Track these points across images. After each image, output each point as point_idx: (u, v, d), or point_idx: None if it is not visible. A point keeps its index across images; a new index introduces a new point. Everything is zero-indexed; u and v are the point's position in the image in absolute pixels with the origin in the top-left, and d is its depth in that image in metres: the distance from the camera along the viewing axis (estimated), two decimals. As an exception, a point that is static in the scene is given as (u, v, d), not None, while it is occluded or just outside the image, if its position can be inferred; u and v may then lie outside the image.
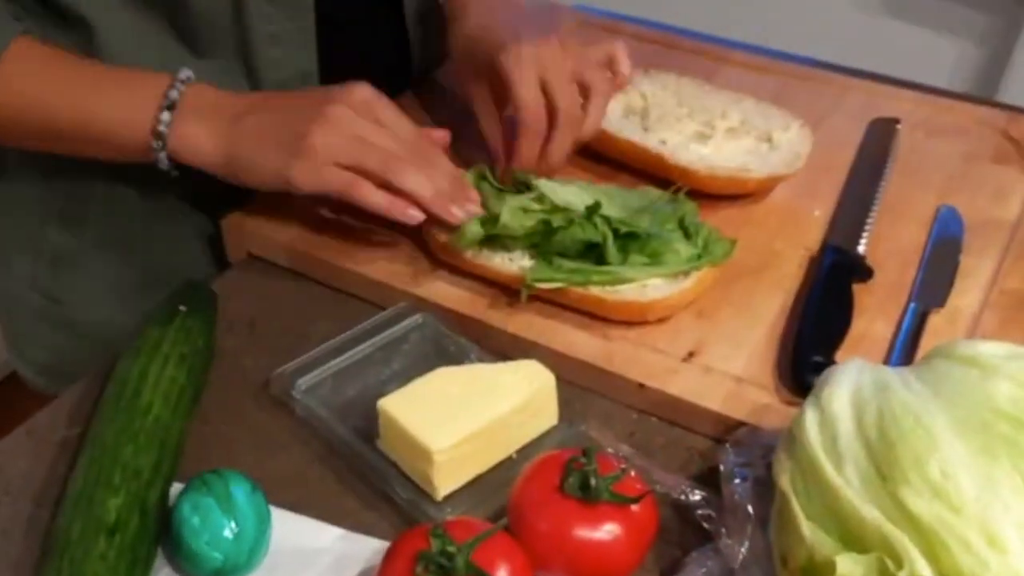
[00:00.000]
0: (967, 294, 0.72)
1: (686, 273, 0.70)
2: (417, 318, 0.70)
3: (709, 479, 0.59)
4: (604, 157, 0.84)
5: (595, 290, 0.69)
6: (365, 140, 0.70)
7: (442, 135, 0.77)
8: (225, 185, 0.75)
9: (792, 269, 0.75)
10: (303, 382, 0.65)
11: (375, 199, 0.70)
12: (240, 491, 0.55)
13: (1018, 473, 0.45)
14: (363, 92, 0.72)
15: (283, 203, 0.79)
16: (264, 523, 0.56)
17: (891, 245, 0.77)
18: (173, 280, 0.73)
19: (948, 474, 0.45)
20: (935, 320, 0.70)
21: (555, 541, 0.54)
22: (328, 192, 0.70)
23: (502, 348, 0.68)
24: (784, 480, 0.51)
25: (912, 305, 0.71)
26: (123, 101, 0.72)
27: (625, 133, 0.82)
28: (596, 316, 0.70)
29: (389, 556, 0.53)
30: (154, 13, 0.76)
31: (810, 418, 0.51)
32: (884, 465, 0.46)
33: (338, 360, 0.67)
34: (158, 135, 0.71)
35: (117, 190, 0.82)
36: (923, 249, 0.77)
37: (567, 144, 0.77)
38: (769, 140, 0.83)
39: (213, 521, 0.54)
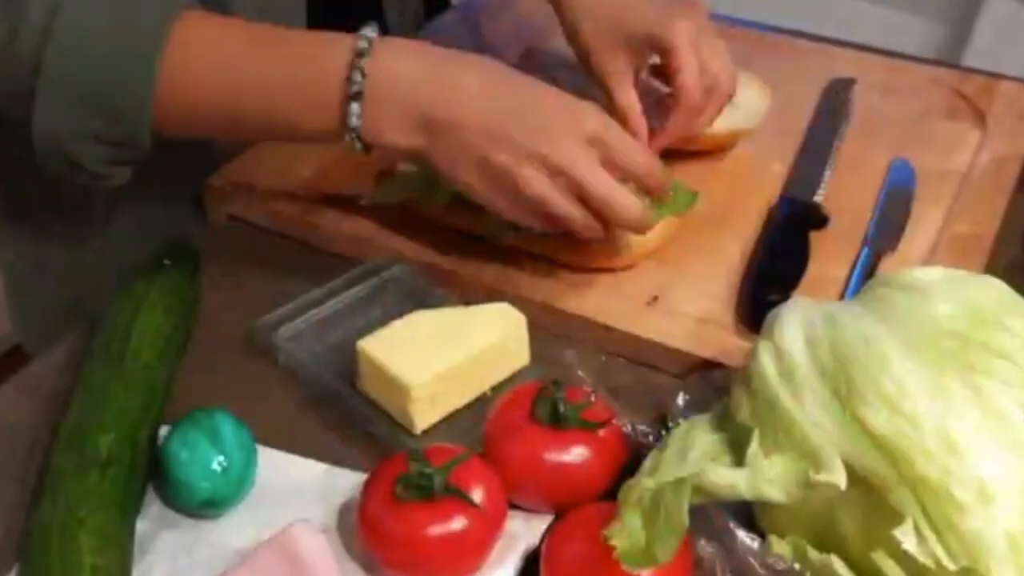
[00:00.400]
0: (918, 239, 0.76)
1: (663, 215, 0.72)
2: (394, 270, 0.73)
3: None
4: None
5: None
6: (582, 189, 0.65)
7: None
8: (200, 154, 0.75)
9: (752, 219, 0.78)
10: (285, 331, 0.68)
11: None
12: (227, 426, 0.58)
13: (968, 383, 0.47)
14: (594, 122, 0.66)
15: (260, 165, 0.82)
16: (251, 457, 0.59)
17: (847, 196, 0.81)
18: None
19: (902, 389, 0.47)
20: (887, 264, 0.74)
21: (527, 465, 0.57)
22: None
23: (476, 297, 0.71)
24: (744, 415, 0.53)
25: (865, 249, 0.74)
26: (304, 88, 0.65)
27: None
28: (568, 265, 0.73)
29: (370, 481, 0.56)
30: None
31: (765, 354, 0.53)
32: (841, 389, 0.49)
33: (318, 310, 0.70)
34: (350, 130, 0.64)
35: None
36: (877, 199, 0.80)
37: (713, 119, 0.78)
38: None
39: (202, 454, 0.57)
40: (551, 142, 0.64)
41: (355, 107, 0.63)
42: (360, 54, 0.63)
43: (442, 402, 0.63)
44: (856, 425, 0.47)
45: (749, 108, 0.85)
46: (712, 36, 0.77)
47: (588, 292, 0.71)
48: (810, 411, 0.49)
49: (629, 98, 0.77)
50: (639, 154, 0.67)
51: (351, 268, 0.73)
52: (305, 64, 0.65)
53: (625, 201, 0.66)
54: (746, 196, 0.81)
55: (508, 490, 0.56)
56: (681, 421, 0.57)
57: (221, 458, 0.57)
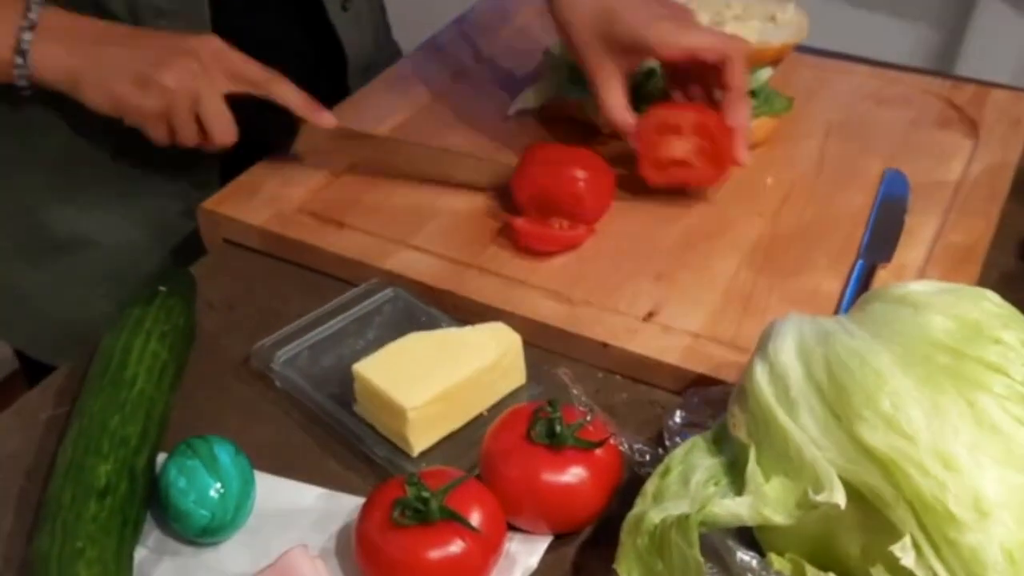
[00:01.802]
0: (912, 249, 0.76)
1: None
2: (388, 292, 0.73)
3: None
4: None
5: None
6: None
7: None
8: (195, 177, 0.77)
9: (746, 233, 0.78)
10: (281, 354, 0.68)
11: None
12: (224, 453, 0.58)
13: (962, 398, 0.47)
14: (213, 44, 0.80)
15: (255, 188, 0.82)
16: (248, 483, 0.59)
17: (841, 208, 0.81)
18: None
19: (898, 406, 0.47)
20: (883, 275, 0.74)
21: (524, 486, 0.57)
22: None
23: (471, 317, 0.71)
24: (741, 433, 0.53)
25: (860, 262, 0.75)
26: None
27: None
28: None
29: (367, 506, 0.56)
30: None
31: (760, 371, 0.53)
32: (837, 406, 0.49)
33: (314, 333, 0.70)
34: (21, 52, 0.76)
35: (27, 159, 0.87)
36: (871, 210, 0.80)
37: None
38: (773, 19, 0.97)
39: (199, 481, 0.57)
40: (182, 54, 0.78)
41: (27, 36, 0.76)
42: (35, 2, 0.76)
43: (439, 424, 0.63)
44: (853, 442, 0.47)
45: (792, 26, 0.96)
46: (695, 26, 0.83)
47: (583, 309, 0.71)
48: (806, 429, 0.49)
49: (614, 97, 0.81)
50: (254, 69, 0.81)
51: (346, 290, 0.73)
52: None
53: (222, 118, 0.79)
54: (740, 211, 0.81)
55: (506, 511, 0.56)
56: (678, 439, 0.57)
57: (218, 485, 0.57)
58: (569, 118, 0.91)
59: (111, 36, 0.79)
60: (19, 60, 0.76)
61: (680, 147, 0.79)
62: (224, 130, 0.79)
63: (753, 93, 0.85)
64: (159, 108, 0.77)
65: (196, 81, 0.77)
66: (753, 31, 0.98)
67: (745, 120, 0.80)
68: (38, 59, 0.77)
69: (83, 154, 0.85)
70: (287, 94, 0.81)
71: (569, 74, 0.89)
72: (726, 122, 0.79)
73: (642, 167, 0.80)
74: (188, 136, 0.79)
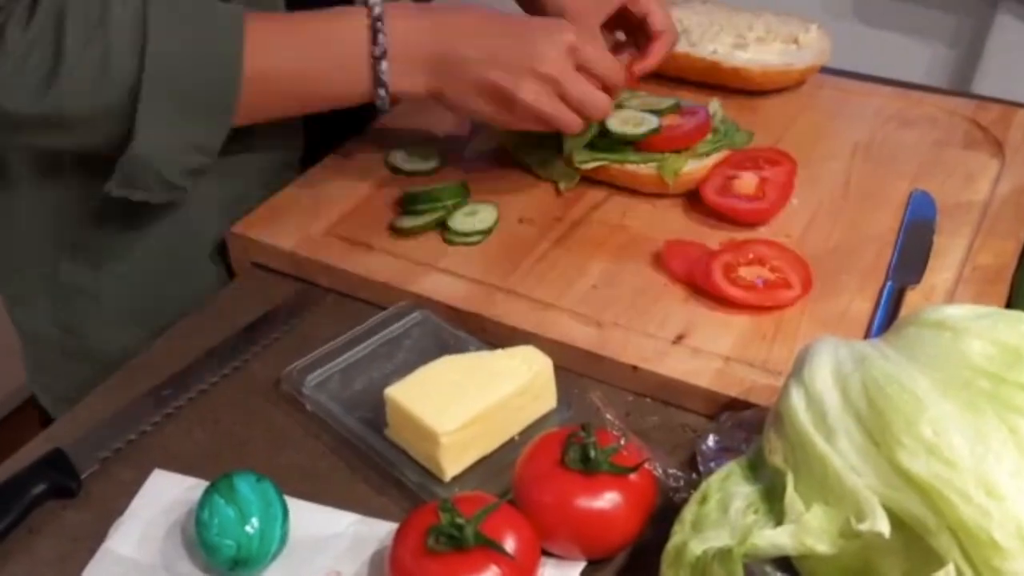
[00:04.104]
0: (942, 271, 0.76)
1: (708, 154, 0.84)
2: (417, 315, 0.73)
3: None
4: (663, 75, 0.98)
5: (630, 167, 0.84)
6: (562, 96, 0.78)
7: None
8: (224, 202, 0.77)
9: (773, 255, 0.78)
10: (312, 379, 0.68)
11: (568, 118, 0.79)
12: (243, 482, 0.58)
13: (1004, 425, 0.47)
14: (570, 36, 0.78)
15: (283, 212, 0.83)
16: (273, 509, 0.58)
17: (868, 229, 0.81)
18: (184, 296, 0.78)
19: (939, 432, 0.47)
20: (912, 297, 0.73)
21: (559, 512, 0.57)
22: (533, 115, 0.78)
23: (500, 340, 0.71)
24: (777, 459, 0.53)
25: (889, 283, 0.74)
26: (334, 58, 0.76)
27: (681, 50, 0.97)
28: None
29: (401, 532, 0.55)
30: None
31: (796, 396, 0.53)
32: (876, 432, 0.48)
33: (344, 357, 0.70)
34: (381, 84, 0.76)
35: (125, 216, 0.83)
36: (898, 232, 0.80)
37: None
38: (796, 42, 0.99)
39: (220, 512, 0.57)
40: (537, 57, 0.76)
41: (383, 65, 0.75)
42: (376, 19, 0.75)
43: (471, 448, 0.62)
44: (893, 469, 0.47)
45: (817, 47, 0.98)
46: None
47: (613, 332, 0.71)
48: (845, 455, 0.49)
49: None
50: (605, 58, 0.80)
51: (375, 314, 0.73)
52: (335, 42, 0.76)
53: (597, 100, 0.79)
54: (767, 233, 0.81)
55: (540, 537, 0.56)
56: (713, 465, 0.57)
57: (238, 512, 0.57)
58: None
59: (460, 41, 0.77)
60: (381, 92, 0.76)
61: (747, 183, 0.82)
62: (598, 106, 0.79)
63: (714, 129, 0.87)
64: (521, 120, 0.78)
65: (553, 89, 0.77)
66: (776, 53, 0.98)
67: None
68: (396, 87, 0.76)
69: None
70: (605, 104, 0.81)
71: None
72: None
73: (705, 190, 0.83)
74: (565, 123, 0.79)
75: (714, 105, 0.90)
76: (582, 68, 0.78)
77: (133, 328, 0.86)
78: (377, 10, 0.75)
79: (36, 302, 0.89)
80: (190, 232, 0.85)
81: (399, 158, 0.90)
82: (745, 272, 0.74)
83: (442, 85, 0.77)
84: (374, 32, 0.75)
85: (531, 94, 0.76)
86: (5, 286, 0.91)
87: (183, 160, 0.74)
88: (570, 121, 0.79)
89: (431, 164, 0.89)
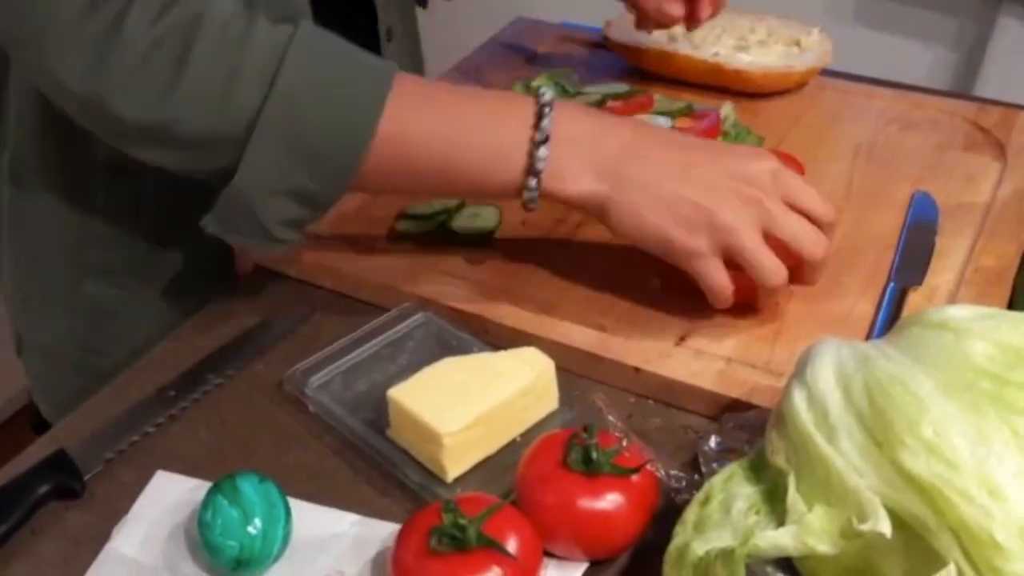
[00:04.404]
0: (944, 273, 0.76)
1: None
2: (420, 317, 0.73)
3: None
4: (664, 77, 1.01)
5: None
6: (768, 234, 0.66)
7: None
8: None
9: (776, 257, 0.78)
10: (315, 380, 0.68)
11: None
12: (246, 483, 0.58)
13: (1007, 426, 0.47)
14: (772, 166, 0.67)
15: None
16: (276, 510, 0.58)
17: (870, 231, 0.81)
18: (191, 303, 0.77)
19: (941, 433, 0.47)
20: (914, 298, 0.73)
21: (561, 513, 0.57)
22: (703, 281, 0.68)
23: (502, 342, 0.71)
24: (779, 459, 0.53)
25: (891, 285, 0.74)
26: (487, 135, 0.67)
27: (683, 51, 0.99)
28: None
29: (404, 532, 0.55)
30: None
31: (798, 397, 0.53)
32: (878, 432, 0.48)
33: (347, 358, 0.70)
34: (534, 172, 0.65)
35: (148, 238, 0.83)
36: (900, 233, 0.80)
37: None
38: (798, 44, 1.00)
39: (223, 513, 0.57)
40: (743, 176, 0.65)
41: (543, 151, 0.65)
42: (545, 106, 0.66)
43: (473, 449, 0.63)
44: (895, 469, 0.47)
45: (819, 50, 0.99)
46: None
47: (615, 333, 0.71)
48: (847, 455, 0.49)
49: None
50: (812, 194, 0.68)
51: (377, 315, 0.74)
52: (493, 120, 0.67)
53: (811, 235, 0.66)
54: (769, 233, 0.81)
55: (542, 538, 0.56)
56: (715, 466, 0.57)
57: (241, 513, 0.57)
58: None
59: (646, 146, 0.67)
60: (531, 182, 0.65)
61: None
62: (816, 243, 0.66)
63: (724, 133, 0.88)
64: (713, 248, 0.66)
65: (758, 219, 0.65)
66: (778, 56, 0.98)
67: None
68: (555, 182, 0.66)
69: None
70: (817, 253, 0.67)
71: None
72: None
73: None
74: (770, 277, 0.66)
75: (726, 109, 0.90)
76: (788, 200, 0.66)
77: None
78: (547, 96, 0.66)
79: (52, 319, 0.88)
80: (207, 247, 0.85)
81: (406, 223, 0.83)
82: None
83: (614, 193, 0.66)
84: (539, 117, 0.65)
85: (733, 216, 0.64)
86: (19, 300, 0.91)
87: (283, 208, 0.66)
88: (774, 271, 0.65)
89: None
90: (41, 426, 0.93)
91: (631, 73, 1.02)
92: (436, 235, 0.81)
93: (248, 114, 0.63)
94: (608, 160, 0.66)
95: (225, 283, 0.84)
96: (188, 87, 0.62)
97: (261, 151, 0.63)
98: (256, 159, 0.64)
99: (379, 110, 0.64)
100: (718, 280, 0.67)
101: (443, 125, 0.67)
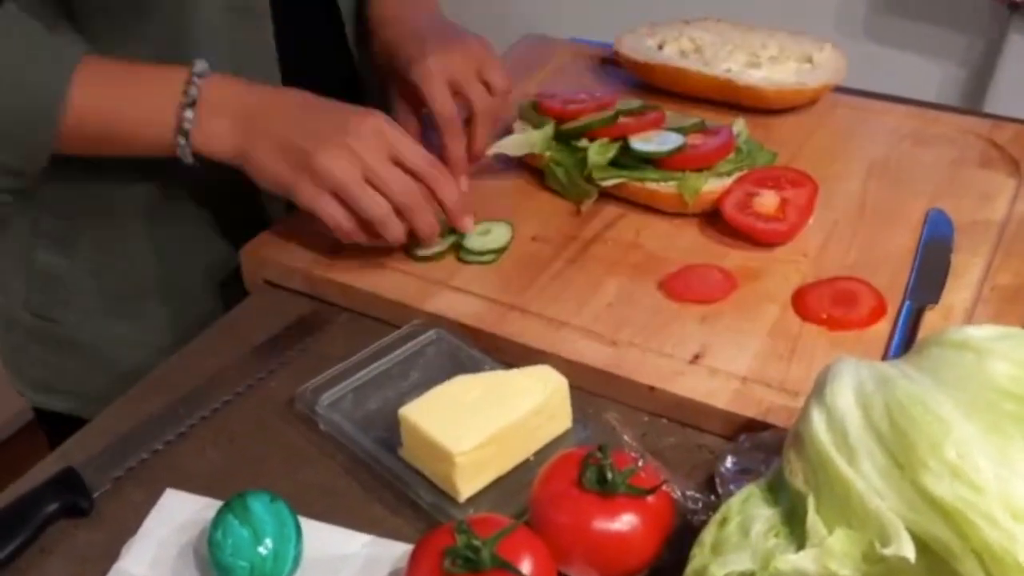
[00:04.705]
0: (960, 291, 0.75)
1: (729, 174, 0.84)
2: (431, 334, 0.72)
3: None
4: (675, 93, 1.00)
5: (650, 185, 0.84)
6: (368, 181, 0.74)
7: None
8: (239, 214, 0.78)
9: (790, 274, 0.78)
10: (326, 398, 0.68)
11: (357, 239, 0.77)
12: (257, 502, 0.58)
13: None
14: (377, 122, 0.76)
15: (296, 231, 0.83)
16: (287, 530, 0.58)
17: (886, 249, 0.80)
18: (165, 289, 0.80)
19: (964, 455, 0.46)
20: (931, 316, 0.73)
21: (575, 533, 0.56)
22: (317, 217, 0.75)
23: (514, 359, 0.70)
24: (798, 481, 0.52)
25: (908, 303, 0.74)
26: (145, 101, 0.75)
27: (695, 68, 0.98)
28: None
29: (416, 554, 0.55)
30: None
31: (816, 418, 0.52)
32: (900, 454, 0.47)
33: (358, 376, 0.70)
34: (183, 132, 0.74)
35: (109, 210, 0.85)
36: (916, 251, 0.80)
37: (487, 135, 0.87)
38: (810, 60, 0.99)
39: (233, 533, 0.57)
40: (347, 131, 0.74)
41: (188, 113, 0.74)
42: (196, 75, 0.74)
43: (486, 469, 0.62)
44: (917, 492, 0.46)
45: (831, 66, 0.98)
46: (483, 65, 0.87)
47: (629, 351, 0.71)
48: (867, 477, 0.48)
49: (408, 127, 0.88)
50: (419, 153, 0.77)
51: (388, 332, 0.73)
52: (152, 87, 0.75)
53: (413, 192, 0.76)
54: (783, 252, 0.80)
55: (556, 559, 0.55)
56: (732, 487, 0.56)
57: (252, 532, 0.56)
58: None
59: (275, 109, 0.76)
60: (181, 140, 0.74)
61: (767, 202, 0.82)
62: (404, 191, 0.75)
63: (737, 149, 0.87)
64: (317, 191, 0.74)
65: (353, 162, 0.74)
66: (790, 72, 0.98)
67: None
68: (201, 139, 0.75)
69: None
70: (447, 192, 0.78)
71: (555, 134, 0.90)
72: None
73: (724, 205, 0.82)
74: (369, 208, 0.74)
75: (739, 125, 0.90)
76: (396, 160, 0.75)
77: (106, 318, 0.88)
78: (199, 67, 0.75)
79: (11, 286, 0.90)
80: (176, 238, 0.86)
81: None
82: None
83: (246, 144, 0.75)
84: (188, 85, 0.74)
85: (330, 159, 0.73)
86: None
87: None
88: (376, 208, 0.74)
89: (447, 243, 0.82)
90: (51, 427, 0.94)
91: (642, 89, 1.02)
92: (448, 252, 0.81)
93: None
94: (244, 120, 0.75)
95: (234, 297, 0.84)
96: None
97: None
98: None
99: (63, 94, 0.72)
100: (330, 213, 0.75)
101: (111, 99, 0.75)
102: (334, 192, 0.74)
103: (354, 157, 0.74)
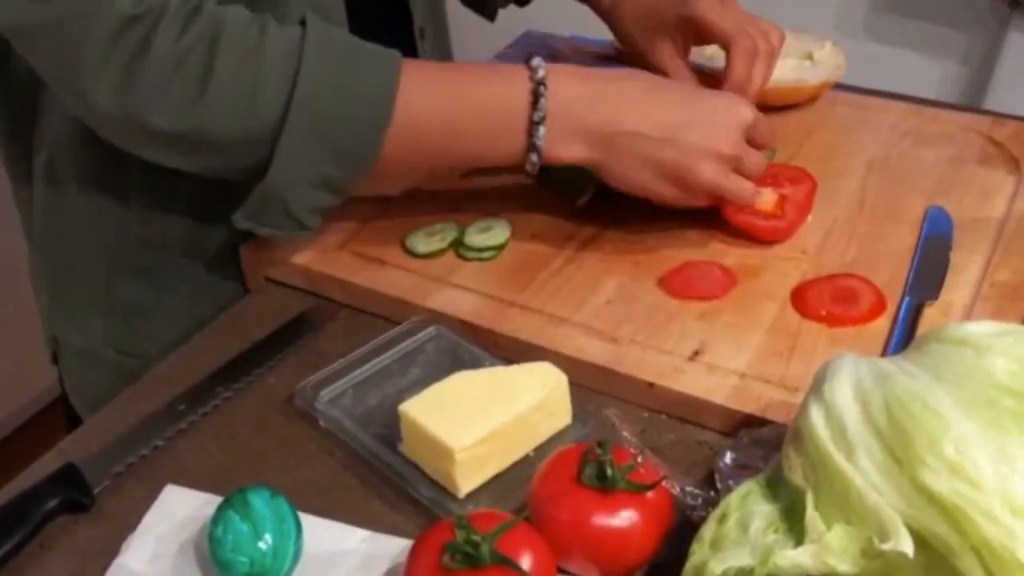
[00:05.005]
0: (959, 288, 0.75)
1: None
2: (431, 330, 0.73)
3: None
4: None
5: None
6: (736, 170, 0.77)
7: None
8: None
9: (789, 271, 0.78)
10: (325, 394, 0.68)
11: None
12: (258, 498, 0.58)
13: None
14: (739, 111, 0.77)
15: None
16: (287, 525, 0.58)
17: (885, 246, 0.80)
18: (219, 304, 0.79)
19: (963, 451, 0.46)
20: (930, 313, 0.73)
21: (575, 530, 0.56)
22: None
23: (514, 356, 0.70)
24: (797, 477, 0.52)
25: (907, 300, 0.74)
26: (491, 114, 0.74)
27: (694, 64, 0.95)
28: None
29: (416, 549, 0.55)
30: None
31: (815, 413, 0.52)
32: (898, 450, 0.48)
33: (358, 372, 0.70)
34: (535, 149, 0.74)
35: (186, 232, 0.83)
36: (915, 248, 0.80)
37: (769, 72, 0.88)
38: (810, 58, 0.99)
39: (233, 528, 0.57)
40: (717, 139, 0.75)
41: (541, 131, 0.73)
42: (540, 84, 0.73)
43: (486, 465, 0.62)
44: (916, 488, 0.46)
45: (831, 63, 0.98)
46: (737, 8, 0.89)
47: (629, 348, 0.71)
48: (866, 473, 0.48)
49: (681, 71, 0.90)
50: (764, 122, 0.79)
51: (388, 329, 0.73)
52: (494, 99, 0.74)
53: (761, 161, 0.78)
54: (782, 249, 0.80)
55: (555, 555, 0.55)
56: (731, 483, 0.56)
57: (252, 528, 0.56)
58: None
59: (630, 118, 0.74)
60: (533, 158, 0.74)
61: (766, 200, 0.82)
62: (760, 166, 0.78)
63: None
64: (693, 197, 0.77)
65: (723, 164, 0.75)
66: (790, 69, 0.98)
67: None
68: (555, 155, 0.74)
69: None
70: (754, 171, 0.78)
71: None
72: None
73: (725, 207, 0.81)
74: (739, 195, 0.77)
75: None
76: (747, 137, 0.78)
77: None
78: (541, 73, 0.73)
79: (90, 323, 0.88)
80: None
81: (417, 240, 0.82)
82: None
83: (605, 158, 0.75)
84: (535, 96, 0.73)
85: (710, 174, 0.75)
86: (55, 304, 0.91)
87: (313, 198, 0.73)
88: (747, 192, 0.77)
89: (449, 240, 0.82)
90: (75, 420, 0.93)
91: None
92: (447, 249, 0.81)
93: (273, 117, 0.69)
94: (599, 126, 0.74)
95: (236, 295, 0.84)
96: (215, 96, 0.68)
97: (289, 148, 0.70)
98: (285, 156, 0.70)
99: (391, 100, 0.71)
100: (732, 189, 0.77)
101: (449, 110, 0.74)
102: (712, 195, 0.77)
103: (722, 160, 0.75)
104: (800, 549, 0.47)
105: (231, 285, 0.85)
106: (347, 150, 0.71)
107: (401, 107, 0.71)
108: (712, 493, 0.59)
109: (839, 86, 1.01)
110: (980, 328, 0.52)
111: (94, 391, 0.92)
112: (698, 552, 0.50)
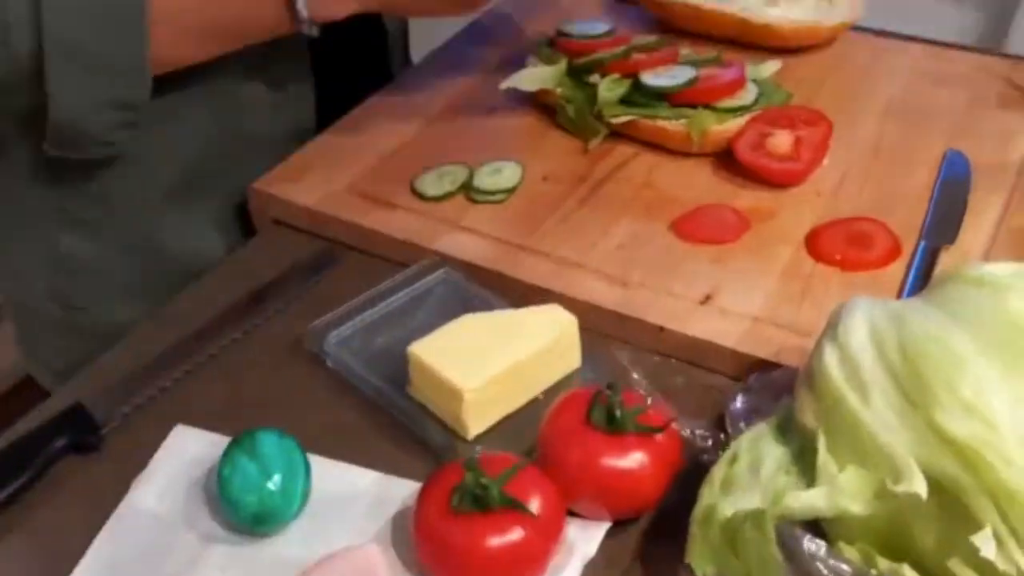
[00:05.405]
0: (976, 232, 0.74)
1: (741, 113, 0.82)
2: (440, 273, 0.72)
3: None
4: (691, 32, 0.98)
5: (660, 122, 0.82)
6: None
7: None
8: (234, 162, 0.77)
9: (803, 214, 0.77)
10: (334, 336, 0.68)
11: None
12: (267, 439, 0.57)
13: None
14: None
15: (304, 169, 0.82)
16: (296, 466, 0.58)
17: (901, 189, 0.79)
18: (189, 268, 0.77)
19: (980, 393, 0.45)
20: (946, 258, 0.72)
21: (584, 471, 0.56)
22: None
23: (524, 299, 0.69)
24: (809, 418, 0.51)
25: (923, 243, 0.73)
26: None
27: (710, 5, 0.96)
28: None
29: (425, 491, 0.55)
30: None
31: (829, 354, 0.52)
32: (914, 392, 0.47)
33: (367, 314, 0.69)
34: (296, 12, 0.72)
35: (129, 183, 0.82)
36: (932, 191, 0.78)
37: None
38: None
39: (242, 468, 0.57)
40: None
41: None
42: None
43: (495, 406, 0.62)
44: (930, 429, 0.45)
45: (846, 5, 0.96)
46: None
47: (639, 292, 0.70)
48: (880, 414, 0.48)
49: None
50: None
51: (397, 271, 0.72)
52: None
53: None
54: (797, 192, 0.79)
55: (564, 497, 0.55)
56: (742, 425, 0.56)
57: (261, 468, 0.56)
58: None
59: None
60: (303, 13, 0.72)
61: (782, 142, 0.80)
62: None
63: (755, 83, 0.86)
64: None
65: None
66: (807, 10, 0.96)
67: None
68: (321, 12, 0.73)
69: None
70: None
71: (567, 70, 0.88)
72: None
73: (738, 146, 0.80)
74: None
75: (771, 66, 0.89)
76: None
77: (136, 302, 0.85)
78: None
79: (32, 276, 0.88)
80: (195, 204, 0.84)
81: (427, 183, 0.81)
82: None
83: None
84: None
85: None
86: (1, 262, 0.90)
87: (107, 118, 0.72)
88: None
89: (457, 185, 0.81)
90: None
91: (658, 29, 1.00)
92: (457, 191, 0.80)
93: (29, 52, 0.68)
94: None
95: (243, 237, 0.83)
96: None
97: (59, 78, 0.69)
98: (60, 86, 0.69)
99: (141, 9, 0.69)
100: None
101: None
102: None
103: None
104: (812, 491, 0.46)
105: (172, 230, 0.85)
106: (114, 65, 0.70)
107: (154, 11, 0.69)
108: (722, 436, 0.58)
109: (856, 28, 0.99)
110: (998, 268, 0.51)
111: (42, 346, 0.92)
112: (708, 494, 0.50)
